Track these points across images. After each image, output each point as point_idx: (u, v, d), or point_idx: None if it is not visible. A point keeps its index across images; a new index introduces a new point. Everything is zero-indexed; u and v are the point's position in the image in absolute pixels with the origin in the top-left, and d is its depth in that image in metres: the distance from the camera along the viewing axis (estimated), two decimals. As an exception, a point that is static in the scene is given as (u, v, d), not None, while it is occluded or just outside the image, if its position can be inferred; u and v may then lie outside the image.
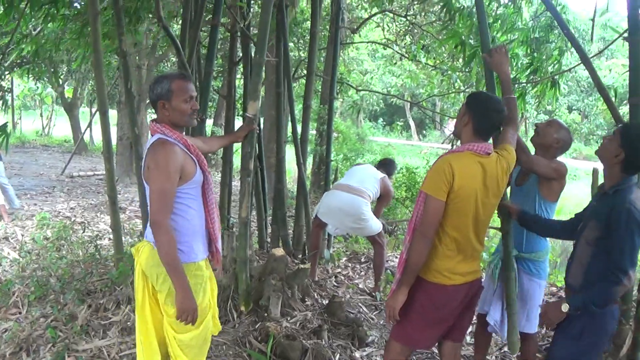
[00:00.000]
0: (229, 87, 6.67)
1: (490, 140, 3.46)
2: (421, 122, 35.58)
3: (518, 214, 3.77)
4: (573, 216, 3.55)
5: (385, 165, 6.82)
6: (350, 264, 7.67)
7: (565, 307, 3.12)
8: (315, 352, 4.35)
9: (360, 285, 6.68)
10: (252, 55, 6.54)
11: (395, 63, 16.00)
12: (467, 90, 11.91)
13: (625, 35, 3.91)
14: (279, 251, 5.00)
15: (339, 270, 7.23)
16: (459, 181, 3.16)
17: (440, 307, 3.34)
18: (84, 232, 8.29)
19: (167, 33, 5.51)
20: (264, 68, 4.72)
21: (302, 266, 5.13)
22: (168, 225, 2.98)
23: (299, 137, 6.58)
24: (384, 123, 35.73)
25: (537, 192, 3.97)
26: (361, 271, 7.47)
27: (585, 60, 4.40)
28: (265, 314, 4.67)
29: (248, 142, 4.59)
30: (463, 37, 6.51)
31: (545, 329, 3.52)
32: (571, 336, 3.22)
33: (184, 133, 3.26)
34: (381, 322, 5.45)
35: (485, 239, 3.98)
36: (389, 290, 6.43)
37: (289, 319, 4.78)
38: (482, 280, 3.61)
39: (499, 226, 4.02)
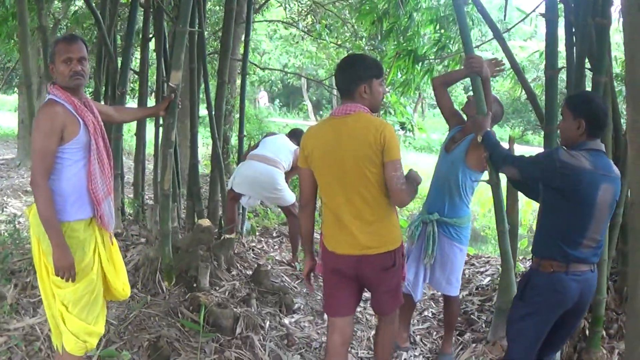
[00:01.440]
0: (143, 63, 6.61)
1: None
2: (318, 103, 35.95)
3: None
4: None
5: (296, 135, 6.91)
6: (263, 239, 7.79)
7: (479, 138, 3.67)
8: (246, 319, 4.46)
9: (278, 257, 6.81)
10: (165, 29, 6.56)
11: (298, 42, 16.06)
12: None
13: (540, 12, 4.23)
14: (205, 222, 5.04)
15: (254, 244, 7.33)
16: (308, 145, 3.35)
17: (334, 271, 3.42)
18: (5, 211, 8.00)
19: (89, 6, 5.42)
20: (186, 38, 4.72)
21: (227, 236, 5.21)
22: (44, 185, 3.04)
23: (213, 112, 6.59)
24: (281, 104, 35.90)
25: (463, 160, 4.14)
26: (274, 245, 7.62)
27: (498, 36, 4.68)
28: (194, 285, 4.71)
29: (170, 114, 4.54)
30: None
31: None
32: (517, 297, 3.43)
33: (86, 96, 3.34)
34: (304, 290, 5.61)
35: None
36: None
37: (217, 288, 4.85)
38: (388, 256, 3.37)
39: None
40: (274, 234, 8.16)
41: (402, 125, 10.57)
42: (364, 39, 11.98)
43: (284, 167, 6.33)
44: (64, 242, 3.10)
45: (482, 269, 6.46)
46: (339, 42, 12.81)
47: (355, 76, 3.29)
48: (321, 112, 35.57)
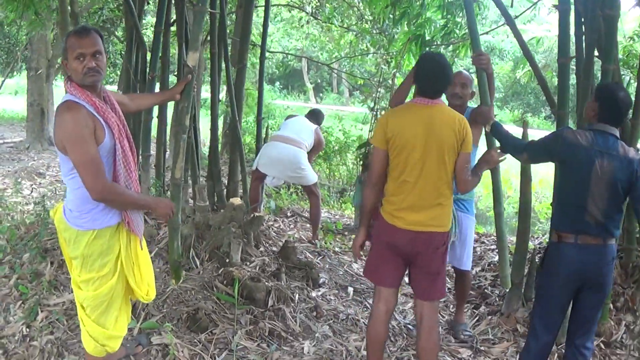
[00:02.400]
0: (165, 48, 6.80)
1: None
2: (317, 85, 36.09)
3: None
4: None
5: (315, 115, 7.23)
6: (279, 218, 8.04)
7: (488, 129, 3.99)
8: (277, 292, 4.73)
9: (296, 236, 7.08)
10: (187, 15, 6.76)
11: (303, 26, 16.19)
12: (374, 53, 12.43)
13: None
14: (237, 200, 5.28)
15: (271, 223, 7.58)
16: (392, 128, 3.49)
17: (388, 244, 3.62)
18: (21, 194, 8.17)
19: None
20: (204, 18, 4.78)
21: (257, 214, 5.46)
22: (108, 184, 2.97)
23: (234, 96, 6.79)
24: (281, 86, 36.04)
25: None
26: (290, 224, 7.88)
27: (510, 22, 4.92)
28: (227, 260, 4.97)
29: (185, 97, 4.33)
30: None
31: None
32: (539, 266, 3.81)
33: (100, 91, 3.11)
34: (327, 266, 5.90)
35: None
36: (328, 238, 6.90)
37: (248, 264, 5.12)
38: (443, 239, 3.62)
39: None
40: (288, 214, 8.42)
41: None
42: (369, 23, 12.18)
43: (307, 146, 6.62)
44: (151, 199, 3.29)
45: (492, 247, 6.75)
46: (345, 26, 12.98)
47: (451, 79, 3.67)
48: (321, 95, 35.74)
